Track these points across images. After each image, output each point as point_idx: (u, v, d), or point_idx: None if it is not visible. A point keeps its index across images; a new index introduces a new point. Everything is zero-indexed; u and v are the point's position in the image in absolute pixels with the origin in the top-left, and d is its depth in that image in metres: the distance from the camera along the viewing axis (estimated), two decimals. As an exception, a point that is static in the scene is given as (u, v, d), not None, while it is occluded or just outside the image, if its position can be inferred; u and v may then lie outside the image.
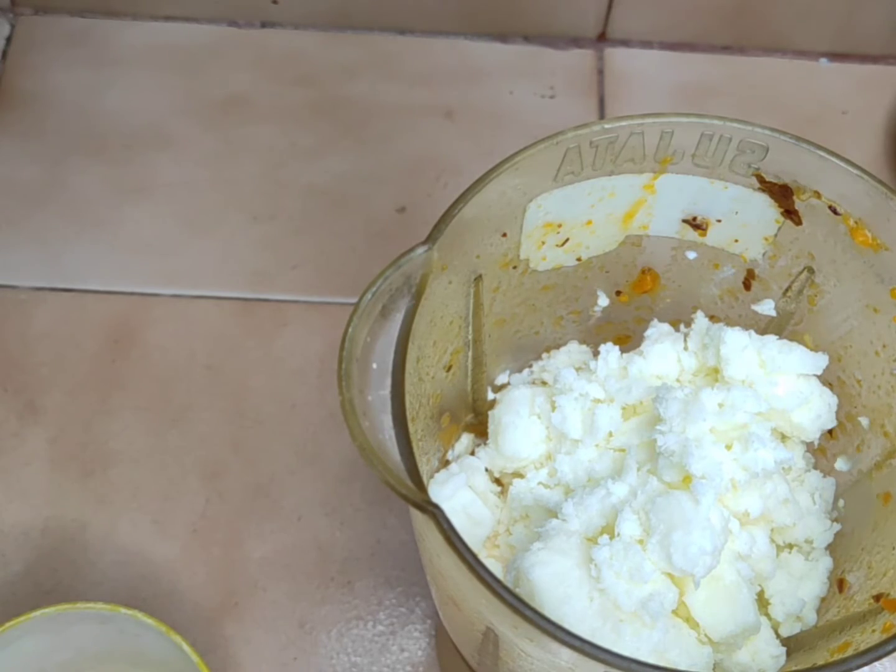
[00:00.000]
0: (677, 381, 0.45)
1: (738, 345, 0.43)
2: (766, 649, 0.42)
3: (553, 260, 0.45)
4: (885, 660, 0.34)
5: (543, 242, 0.44)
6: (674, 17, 0.73)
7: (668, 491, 0.40)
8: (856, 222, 0.42)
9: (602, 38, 0.75)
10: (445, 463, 0.47)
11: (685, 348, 0.45)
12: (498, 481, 0.46)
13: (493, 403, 0.47)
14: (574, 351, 0.49)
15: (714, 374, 0.44)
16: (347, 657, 0.55)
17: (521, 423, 0.44)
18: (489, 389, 0.48)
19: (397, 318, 0.38)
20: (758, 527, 0.42)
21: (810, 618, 0.43)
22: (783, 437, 0.45)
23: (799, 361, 0.43)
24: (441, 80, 0.73)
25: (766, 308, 0.47)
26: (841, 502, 0.46)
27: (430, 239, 0.38)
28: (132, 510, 0.58)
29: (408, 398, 0.37)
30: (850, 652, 0.37)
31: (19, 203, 0.67)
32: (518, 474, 0.45)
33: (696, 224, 0.45)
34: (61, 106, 0.71)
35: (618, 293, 0.48)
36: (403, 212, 0.68)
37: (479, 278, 0.43)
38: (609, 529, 0.40)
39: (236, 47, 0.74)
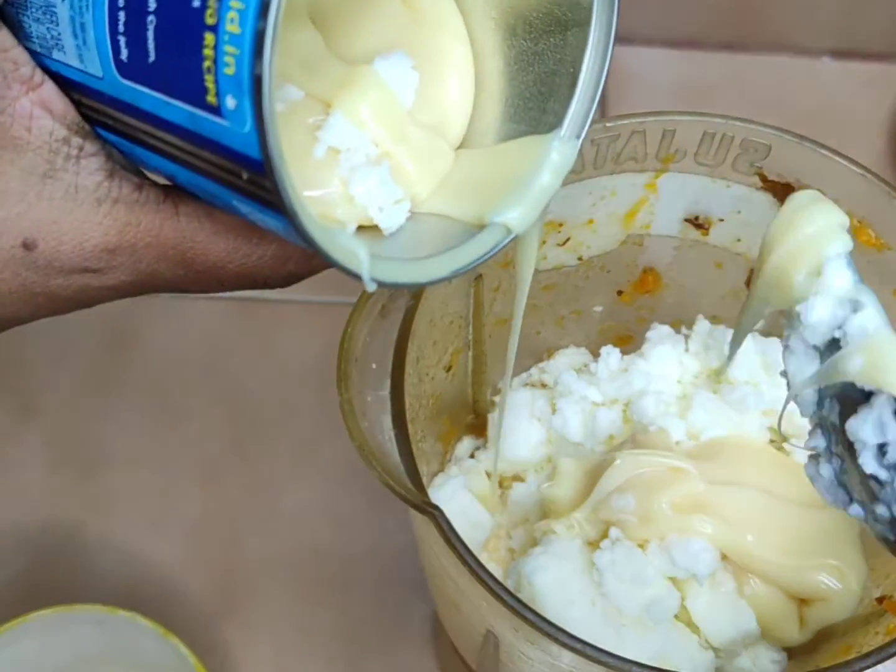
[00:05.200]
0: (678, 382, 0.45)
1: (742, 347, 0.43)
2: (767, 654, 0.41)
3: (554, 259, 0.45)
4: (888, 662, 0.34)
5: (544, 242, 0.44)
6: (676, 15, 0.73)
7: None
8: (859, 222, 0.41)
9: (603, 37, 0.75)
10: (445, 465, 0.47)
11: (686, 350, 0.45)
12: (498, 484, 0.46)
13: (493, 404, 0.47)
14: (574, 353, 0.49)
15: (716, 376, 0.44)
16: (346, 659, 0.55)
17: (521, 427, 0.44)
18: (489, 391, 0.48)
19: (397, 318, 0.37)
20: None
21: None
22: (784, 438, 0.44)
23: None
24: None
25: (756, 324, 0.46)
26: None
27: (430, 238, 0.38)
28: (130, 511, 0.58)
29: (407, 399, 0.36)
30: (853, 654, 0.36)
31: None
32: (518, 477, 0.45)
33: (698, 223, 0.45)
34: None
35: (619, 293, 0.48)
36: (403, 211, 0.67)
37: (479, 278, 0.43)
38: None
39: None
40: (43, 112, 0.25)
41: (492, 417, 0.46)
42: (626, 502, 0.40)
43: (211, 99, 0.24)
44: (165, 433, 0.60)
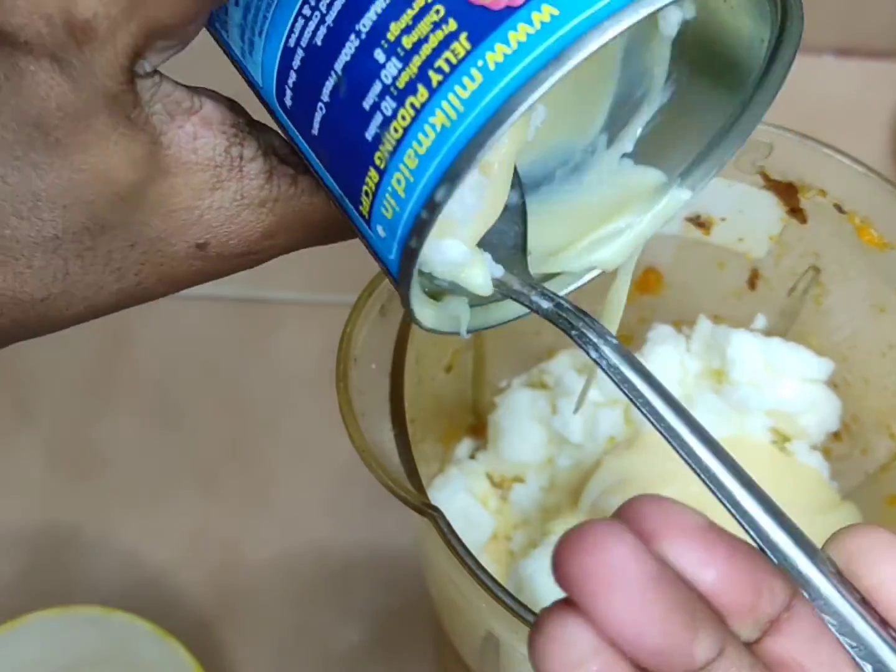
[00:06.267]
0: (679, 383, 0.45)
1: (745, 347, 0.43)
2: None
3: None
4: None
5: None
6: (676, 14, 0.73)
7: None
8: (862, 221, 0.41)
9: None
10: (445, 466, 0.47)
11: (688, 350, 0.45)
12: (498, 485, 0.46)
13: (493, 405, 0.47)
14: (575, 353, 0.49)
15: (718, 377, 0.44)
16: (346, 662, 0.54)
17: (521, 427, 0.44)
18: (490, 392, 0.48)
19: (396, 318, 0.37)
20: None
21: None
22: (787, 439, 0.44)
23: (804, 366, 0.43)
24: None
25: (758, 324, 0.46)
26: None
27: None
28: (128, 512, 0.57)
29: (407, 399, 0.36)
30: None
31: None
32: (518, 479, 0.45)
33: (699, 222, 0.44)
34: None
35: (620, 293, 0.48)
36: (403, 211, 0.67)
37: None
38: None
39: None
40: (204, 129, 0.26)
41: (492, 419, 0.46)
42: (612, 505, 0.39)
43: (363, 211, 0.23)
44: (164, 434, 0.60)
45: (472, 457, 0.47)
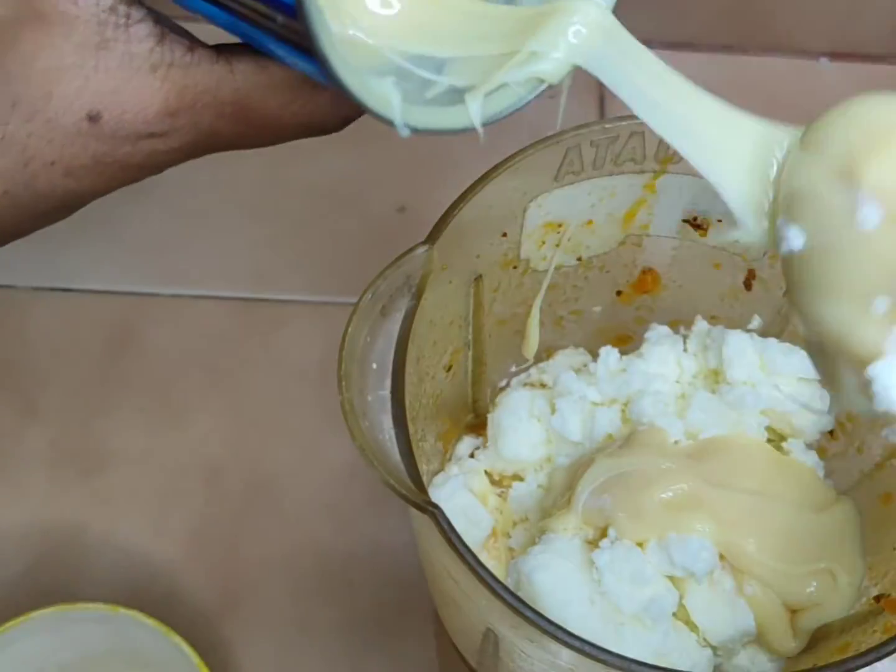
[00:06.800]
0: (676, 382, 0.45)
1: (740, 347, 0.43)
2: (766, 652, 0.42)
3: (553, 260, 0.45)
4: (885, 660, 0.34)
5: (544, 242, 0.44)
6: (674, 16, 0.73)
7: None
8: (857, 222, 0.41)
9: (602, 38, 0.74)
10: (445, 464, 0.47)
11: (685, 350, 0.45)
12: (498, 483, 0.46)
13: (493, 404, 0.47)
14: (573, 353, 0.49)
15: (714, 376, 0.44)
16: (348, 658, 0.55)
17: (520, 426, 0.44)
18: (489, 391, 0.48)
19: (397, 318, 0.38)
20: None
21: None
22: (783, 438, 0.45)
23: (799, 365, 0.43)
24: (441, 80, 0.73)
25: (754, 324, 0.47)
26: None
27: (431, 239, 0.38)
28: (132, 510, 0.58)
29: (407, 398, 0.37)
30: (850, 652, 0.37)
31: (19, 203, 0.67)
32: (518, 477, 0.45)
33: (696, 224, 0.45)
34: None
35: (618, 293, 0.48)
36: (403, 212, 0.68)
37: (479, 278, 0.43)
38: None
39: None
40: None
41: (491, 418, 0.46)
42: (603, 503, 0.40)
43: None
44: (166, 433, 0.60)
45: (471, 455, 0.47)
